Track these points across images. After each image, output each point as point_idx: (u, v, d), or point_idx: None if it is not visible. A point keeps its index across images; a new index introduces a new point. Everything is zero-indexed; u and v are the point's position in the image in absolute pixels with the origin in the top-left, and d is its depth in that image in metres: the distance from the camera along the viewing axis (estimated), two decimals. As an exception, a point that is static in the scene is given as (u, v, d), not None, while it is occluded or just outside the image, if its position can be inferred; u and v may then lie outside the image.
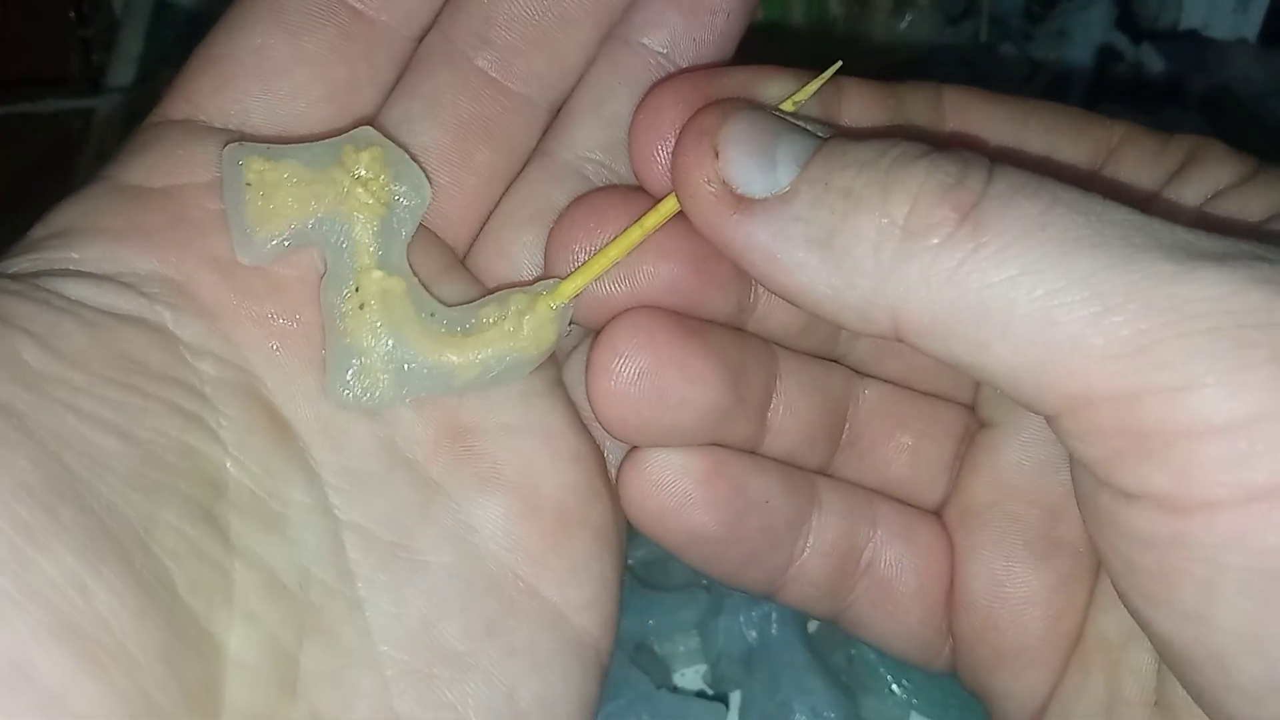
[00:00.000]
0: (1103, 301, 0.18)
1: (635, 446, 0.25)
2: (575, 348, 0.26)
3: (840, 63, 0.24)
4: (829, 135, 0.22)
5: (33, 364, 0.20)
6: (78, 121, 0.58)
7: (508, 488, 0.24)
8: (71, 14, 0.61)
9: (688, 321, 0.24)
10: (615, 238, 0.24)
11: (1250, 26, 0.54)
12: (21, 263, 0.22)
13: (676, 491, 0.25)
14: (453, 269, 0.25)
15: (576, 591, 0.24)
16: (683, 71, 0.25)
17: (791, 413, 0.26)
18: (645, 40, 0.26)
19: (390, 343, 0.24)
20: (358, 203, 0.24)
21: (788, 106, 0.23)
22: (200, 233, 0.23)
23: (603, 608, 0.25)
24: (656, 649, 0.46)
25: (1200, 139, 0.24)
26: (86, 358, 0.21)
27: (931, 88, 0.25)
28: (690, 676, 0.47)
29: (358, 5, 0.25)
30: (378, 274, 0.24)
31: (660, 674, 0.46)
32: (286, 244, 0.24)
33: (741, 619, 0.45)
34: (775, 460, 0.26)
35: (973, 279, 0.19)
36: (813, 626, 0.47)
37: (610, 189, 0.26)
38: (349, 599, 0.23)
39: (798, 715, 0.43)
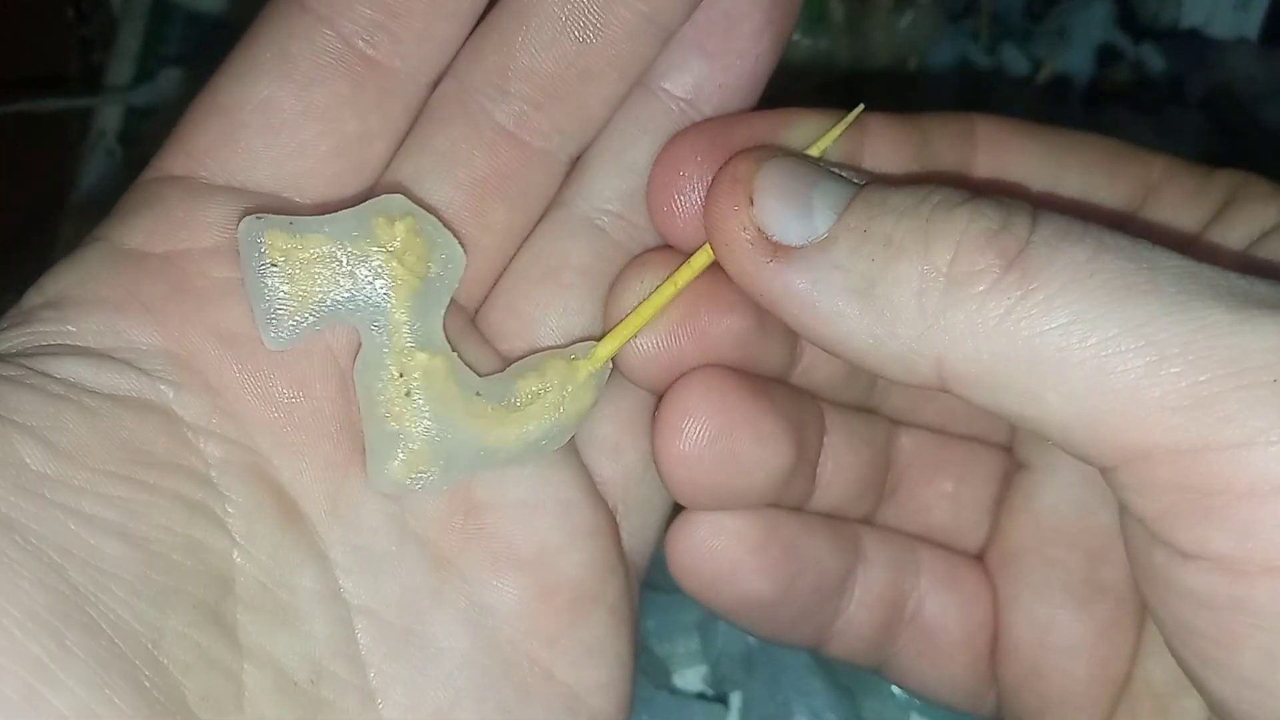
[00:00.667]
0: (1159, 351, 0.17)
1: (685, 511, 0.25)
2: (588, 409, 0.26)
3: (862, 106, 0.23)
4: (865, 181, 0.22)
5: (32, 465, 0.19)
6: (77, 121, 0.58)
7: (523, 567, 0.24)
8: (70, 12, 0.61)
9: (754, 380, 0.24)
10: (648, 296, 0.24)
11: (1250, 25, 0.54)
12: (17, 337, 0.21)
13: (729, 559, 0.24)
14: (467, 332, 0.25)
15: (592, 673, 0.24)
16: (701, 122, 0.24)
17: (839, 467, 0.26)
18: (667, 86, 0.25)
19: (436, 426, 0.23)
20: (393, 279, 0.23)
21: (813, 153, 0.23)
22: (203, 304, 0.22)
23: (618, 687, 0.24)
24: (656, 650, 0.46)
25: (1241, 176, 0.24)
26: (87, 451, 0.20)
27: (962, 120, 0.24)
28: (690, 678, 0.46)
29: (370, 52, 0.23)
30: (421, 356, 0.23)
31: (660, 675, 0.46)
32: (316, 326, 0.23)
33: (741, 620, 0.45)
34: (822, 516, 0.26)
35: (1022, 327, 0.18)
36: (813, 627, 0.47)
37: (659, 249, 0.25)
38: (362, 691, 0.22)
39: (798, 717, 0.43)
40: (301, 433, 0.23)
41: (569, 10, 0.23)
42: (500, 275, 0.25)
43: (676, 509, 0.26)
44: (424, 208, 0.23)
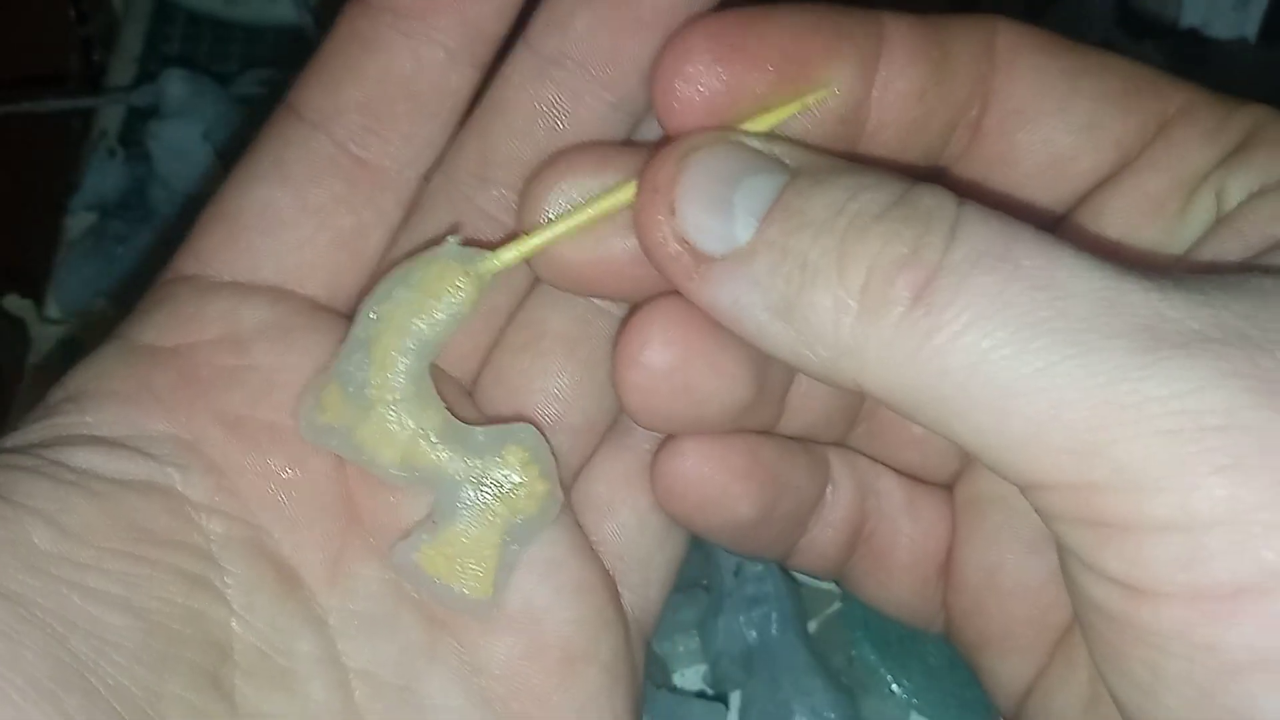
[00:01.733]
0: (1058, 396, 0.18)
1: (669, 437, 0.25)
2: (580, 470, 0.26)
3: (834, 89, 0.22)
4: (796, 168, 0.21)
5: (41, 545, 0.21)
6: (77, 121, 0.58)
7: (510, 626, 0.24)
8: (71, 13, 0.61)
9: None
10: (565, 212, 0.23)
11: (1250, 25, 0.54)
12: (39, 430, 0.23)
13: (717, 485, 0.25)
14: (459, 404, 0.25)
15: None
16: (717, 14, 0.23)
17: (811, 395, 0.26)
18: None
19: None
20: (487, 511, 0.24)
21: (763, 127, 0.22)
22: (208, 390, 0.24)
23: None
24: (656, 649, 0.46)
25: (1266, 115, 0.23)
26: (94, 531, 0.21)
27: (985, 30, 0.24)
28: (690, 676, 0.47)
29: (361, 153, 0.25)
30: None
31: (660, 674, 0.46)
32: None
33: (741, 619, 0.45)
34: (797, 440, 0.26)
35: (931, 365, 0.19)
36: (813, 626, 0.47)
37: (601, 144, 0.25)
38: None
39: (798, 716, 0.43)
40: (300, 507, 0.24)
41: (540, 101, 0.25)
42: (492, 347, 0.26)
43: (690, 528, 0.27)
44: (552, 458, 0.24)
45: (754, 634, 0.45)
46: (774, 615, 0.45)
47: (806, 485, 0.26)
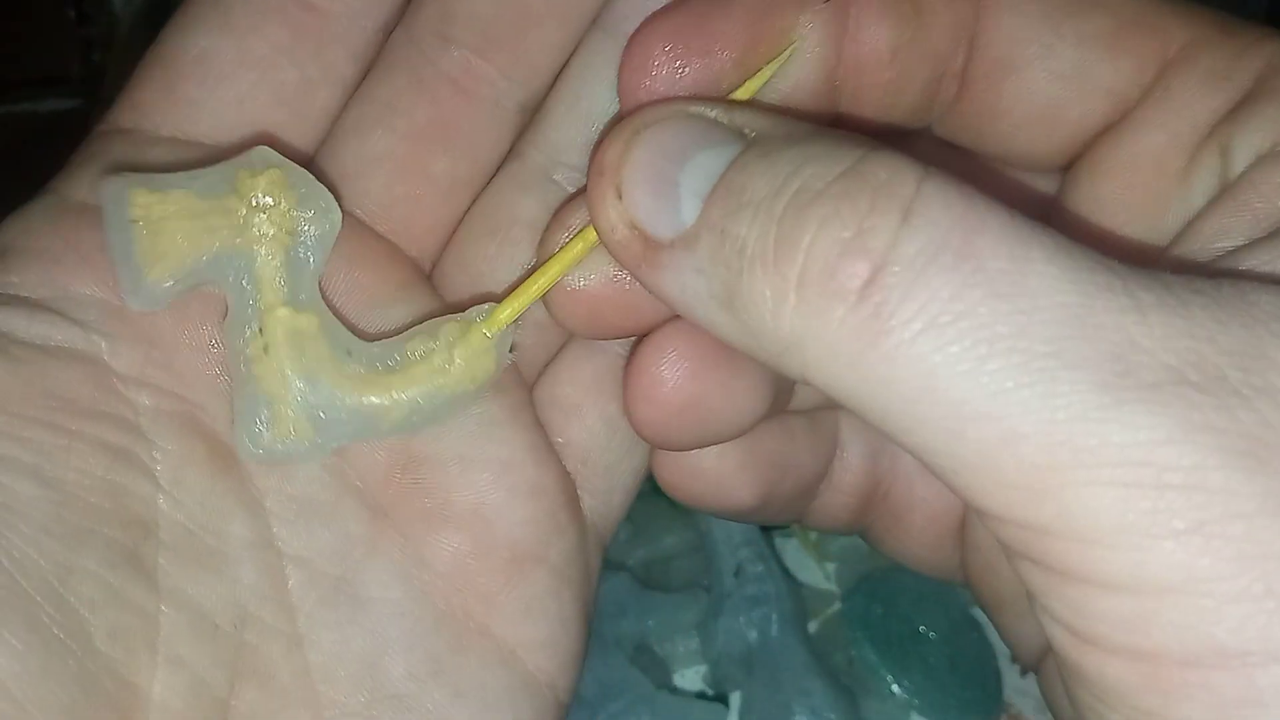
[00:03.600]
0: (1012, 425, 0.16)
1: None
2: (545, 366, 0.25)
3: (795, 44, 0.21)
4: (754, 138, 0.20)
5: None
6: (78, 121, 0.58)
7: (458, 524, 0.23)
8: (71, 13, 0.61)
9: None
10: (557, 252, 0.22)
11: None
12: None
13: (715, 476, 0.24)
14: (412, 285, 0.24)
15: (531, 630, 0.24)
16: (676, 4, 0.22)
17: None
18: (629, 30, 0.23)
19: (303, 387, 0.22)
20: (256, 234, 0.22)
21: (742, 95, 0.21)
22: None
23: (560, 646, 0.24)
24: (656, 649, 0.46)
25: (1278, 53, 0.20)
26: (7, 397, 0.20)
27: None
28: (690, 677, 0.47)
29: None
30: (283, 311, 0.22)
31: (660, 674, 0.46)
32: (181, 285, 0.22)
33: (742, 619, 0.45)
34: (803, 415, 0.26)
35: (876, 372, 0.17)
36: (813, 627, 0.47)
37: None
38: (289, 636, 0.22)
39: (798, 716, 0.43)
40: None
41: None
42: (456, 227, 0.25)
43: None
44: (298, 163, 0.22)
45: (754, 634, 0.45)
46: (774, 616, 0.45)
47: (809, 462, 0.26)
